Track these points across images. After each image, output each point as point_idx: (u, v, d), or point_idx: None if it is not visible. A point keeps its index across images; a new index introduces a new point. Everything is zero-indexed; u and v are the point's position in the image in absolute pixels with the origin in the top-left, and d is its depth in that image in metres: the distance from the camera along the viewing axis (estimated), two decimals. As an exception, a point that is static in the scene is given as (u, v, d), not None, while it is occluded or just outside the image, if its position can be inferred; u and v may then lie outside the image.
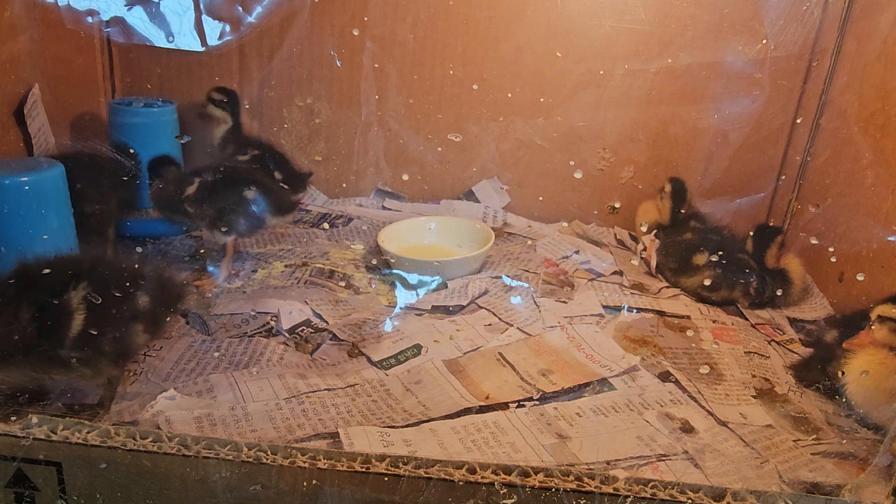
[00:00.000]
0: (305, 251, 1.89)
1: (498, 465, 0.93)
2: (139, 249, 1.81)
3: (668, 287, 1.83)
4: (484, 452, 1.14)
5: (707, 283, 1.73)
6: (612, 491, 0.92)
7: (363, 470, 0.92)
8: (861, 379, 1.25)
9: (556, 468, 0.93)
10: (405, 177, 2.24)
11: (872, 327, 1.27)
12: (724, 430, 1.26)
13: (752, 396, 1.37)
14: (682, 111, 2.07)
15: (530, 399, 1.30)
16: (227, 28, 1.92)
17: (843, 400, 1.30)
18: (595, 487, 0.92)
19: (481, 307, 1.63)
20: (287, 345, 1.44)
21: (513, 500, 0.92)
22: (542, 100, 2.10)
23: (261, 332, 1.48)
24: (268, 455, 0.93)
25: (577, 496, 0.92)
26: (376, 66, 2.10)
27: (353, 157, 2.22)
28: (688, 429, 1.25)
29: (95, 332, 1.12)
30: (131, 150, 1.79)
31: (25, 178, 1.32)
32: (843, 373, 1.27)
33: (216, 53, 2.07)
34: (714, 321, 1.67)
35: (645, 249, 1.91)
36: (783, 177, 2.09)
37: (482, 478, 0.92)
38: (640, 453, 1.17)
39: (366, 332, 1.50)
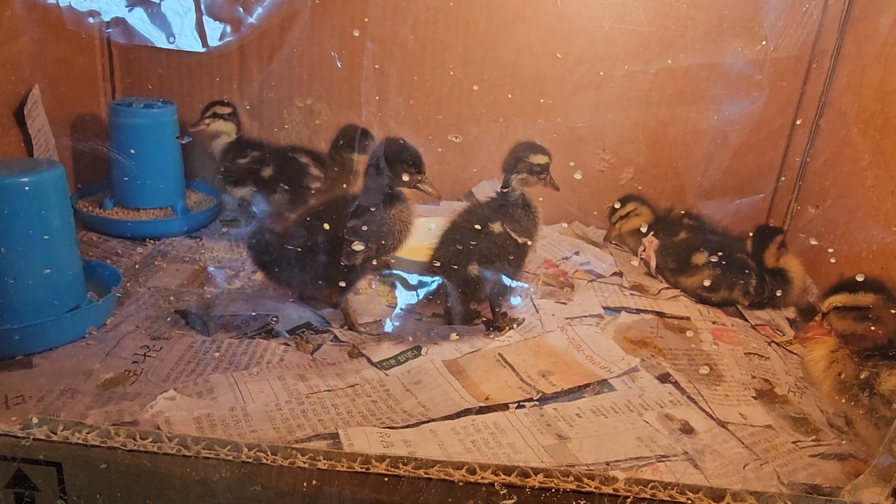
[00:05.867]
0: (305, 252, 1.89)
1: (498, 466, 0.93)
2: (139, 250, 1.81)
3: (667, 288, 1.83)
4: (484, 453, 1.14)
5: (707, 283, 1.73)
6: (611, 492, 0.92)
7: (363, 470, 0.92)
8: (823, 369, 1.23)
9: (555, 469, 0.93)
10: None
11: (825, 318, 1.24)
12: (723, 431, 1.26)
13: (752, 397, 1.37)
14: (681, 112, 2.07)
15: (530, 400, 1.30)
16: (228, 29, 1.92)
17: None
18: (595, 488, 0.92)
19: (481, 308, 1.63)
20: (287, 346, 1.44)
21: (513, 501, 0.92)
22: (541, 101, 2.10)
23: (261, 334, 1.48)
24: (268, 455, 0.93)
25: (577, 497, 0.92)
26: (377, 67, 2.10)
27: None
28: (687, 430, 1.25)
29: None
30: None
31: (26, 179, 1.33)
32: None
33: (216, 54, 2.07)
34: (714, 322, 1.67)
35: (644, 250, 1.92)
36: (783, 178, 2.09)
37: (482, 478, 0.92)
38: (639, 454, 1.17)
39: (366, 333, 1.50)
